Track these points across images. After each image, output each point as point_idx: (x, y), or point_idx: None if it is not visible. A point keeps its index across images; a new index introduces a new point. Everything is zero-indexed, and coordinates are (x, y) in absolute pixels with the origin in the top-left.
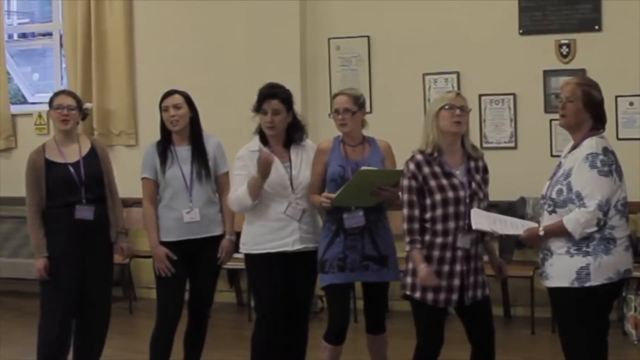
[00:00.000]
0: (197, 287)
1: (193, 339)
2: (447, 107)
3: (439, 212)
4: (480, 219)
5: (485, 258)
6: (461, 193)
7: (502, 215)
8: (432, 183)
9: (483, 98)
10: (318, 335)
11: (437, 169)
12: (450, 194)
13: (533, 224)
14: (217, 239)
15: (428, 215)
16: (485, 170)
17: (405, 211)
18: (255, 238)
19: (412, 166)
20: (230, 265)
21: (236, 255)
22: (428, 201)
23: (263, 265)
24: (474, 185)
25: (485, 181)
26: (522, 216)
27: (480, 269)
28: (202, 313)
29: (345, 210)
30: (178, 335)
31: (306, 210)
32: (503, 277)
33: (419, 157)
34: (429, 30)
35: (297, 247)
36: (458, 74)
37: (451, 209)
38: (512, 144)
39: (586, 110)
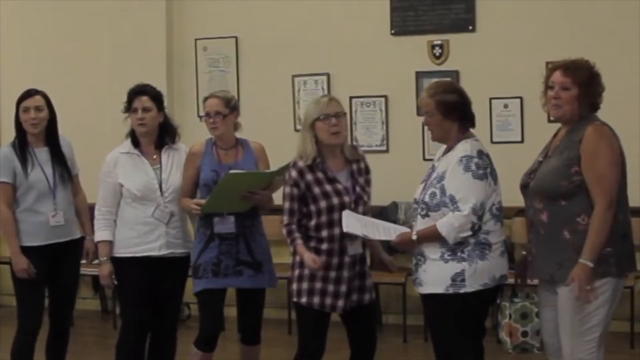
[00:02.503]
0: (59, 292)
1: (56, 346)
2: (321, 117)
3: (323, 218)
4: (352, 222)
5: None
6: (346, 198)
7: (374, 219)
8: (316, 190)
9: (354, 100)
10: (186, 342)
11: (320, 175)
12: (335, 200)
13: (406, 229)
14: (78, 242)
15: (313, 222)
16: (367, 170)
17: (285, 218)
18: (122, 241)
19: (294, 173)
20: (94, 271)
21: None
22: (313, 208)
23: (129, 269)
24: (358, 189)
25: (367, 182)
26: (394, 221)
27: (367, 273)
28: (65, 319)
29: (216, 215)
30: (40, 342)
31: (175, 214)
32: (392, 271)
33: (301, 163)
34: (299, 30)
35: (164, 252)
36: (328, 75)
37: (336, 215)
38: (384, 147)
39: (447, 118)
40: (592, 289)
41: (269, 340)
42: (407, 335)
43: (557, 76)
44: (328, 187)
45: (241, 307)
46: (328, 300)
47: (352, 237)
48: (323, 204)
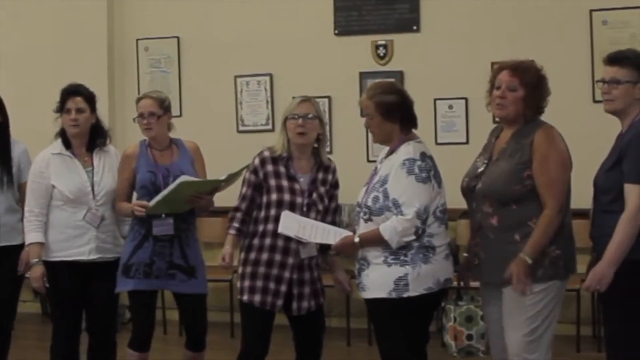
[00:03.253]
0: None
1: None
2: (290, 117)
3: (272, 212)
4: (289, 223)
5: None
6: (299, 199)
7: (315, 221)
8: (272, 182)
9: None
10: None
11: (281, 169)
12: (287, 197)
13: (348, 232)
14: (18, 248)
15: (262, 214)
16: (334, 185)
17: (237, 201)
18: (51, 245)
19: (256, 161)
20: None
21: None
22: (264, 199)
23: (59, 273)
24: (314, 195)
25: (331, 196)
26: (338, 224)
27: (317, 279)
28: (6, 322)
29: (155, 217)
30: None
31: (105, 218)
32: (345, 293)
33: (266, 153)
34: (241, 30)
35: (93, 256)
36: (271, 75)
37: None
38: (327, 149)
39: (387, 120)
40: (528, 284)
41: (211, 343)
42: (351, 338)
43: (505, 76)
44: (285, 183)
45: (182, 313)
46: (269, 299)
47: (303, 241)
48: (274, 196)
